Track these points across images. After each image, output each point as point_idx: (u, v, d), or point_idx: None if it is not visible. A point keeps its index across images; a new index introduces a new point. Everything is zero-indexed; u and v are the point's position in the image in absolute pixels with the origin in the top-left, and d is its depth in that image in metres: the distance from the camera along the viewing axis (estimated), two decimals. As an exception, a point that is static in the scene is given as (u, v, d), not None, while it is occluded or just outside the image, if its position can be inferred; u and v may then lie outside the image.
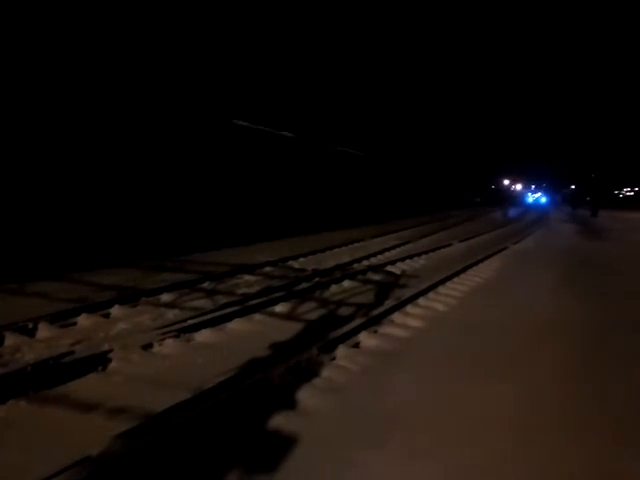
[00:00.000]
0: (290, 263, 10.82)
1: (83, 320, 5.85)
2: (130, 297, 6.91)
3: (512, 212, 41.80)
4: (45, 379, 4.06)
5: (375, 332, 5.64)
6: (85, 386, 4.11)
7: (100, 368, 4.45)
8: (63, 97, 10.75)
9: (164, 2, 14.03)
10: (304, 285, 8.18)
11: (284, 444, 3.17)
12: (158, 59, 13.70)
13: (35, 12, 10.10)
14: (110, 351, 4.65)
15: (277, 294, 7.26)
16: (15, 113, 9.85)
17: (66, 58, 10.70)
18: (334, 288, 8.22)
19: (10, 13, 9.61)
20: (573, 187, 70.16)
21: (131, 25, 12.81)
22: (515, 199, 72.95)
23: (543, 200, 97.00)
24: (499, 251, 13.41)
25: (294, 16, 20.75)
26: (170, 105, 13.50)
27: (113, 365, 4.53)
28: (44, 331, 5.38)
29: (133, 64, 12.78)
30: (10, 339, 5.09)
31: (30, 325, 5.41)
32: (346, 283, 8.61)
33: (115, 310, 6.32)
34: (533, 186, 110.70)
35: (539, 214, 44.19)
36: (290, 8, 20.21)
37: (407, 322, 6.14)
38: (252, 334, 5.64)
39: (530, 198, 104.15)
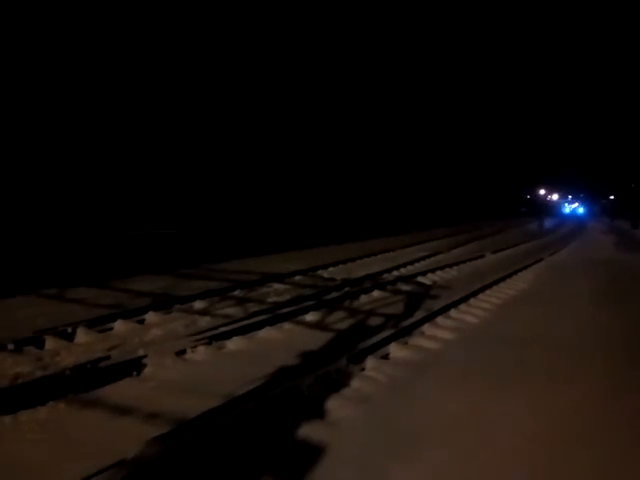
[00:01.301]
0: (320, 272, 10.85)
1: (119, 326, 6.02)
2: (164, 304, 7.07)
3: (548, 223, 40.78)
4: (83, 382, 4.20)
5: (405, 343, 5.60)
6: (121, 390, 4.23)
7: (135, 373, 4.58)
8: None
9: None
10: (334, 294, 8.20)
11: (312, 453, 3.18)
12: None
13: (50, 14, 10.37)
14: (145, 356, 4.77)
15: (307, 303, 7.30)
16: (70, 129, 10.30)
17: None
18: (364, 298, 8.20)
19: (11, 13, 9.84)
20: (612, 197, 67.88)
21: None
22: (551, 209, 71.13)
23: (580, 211, 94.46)
24: (534, 263, 13.12)
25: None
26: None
27: (147, 370, 4.65)
28: (82, 336, 5.56)
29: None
30: (50, 343, 5.29)
31: (69, 330, 5.60)
32: (376, 293, 8.58)
33: (149, 316, 6.47)
34: (570, 196, 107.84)
35: (576, 225, 43.01)
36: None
37: (437, 334, 6.07)
38: (282, 343, 5.69)
39: (567, 208, 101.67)
